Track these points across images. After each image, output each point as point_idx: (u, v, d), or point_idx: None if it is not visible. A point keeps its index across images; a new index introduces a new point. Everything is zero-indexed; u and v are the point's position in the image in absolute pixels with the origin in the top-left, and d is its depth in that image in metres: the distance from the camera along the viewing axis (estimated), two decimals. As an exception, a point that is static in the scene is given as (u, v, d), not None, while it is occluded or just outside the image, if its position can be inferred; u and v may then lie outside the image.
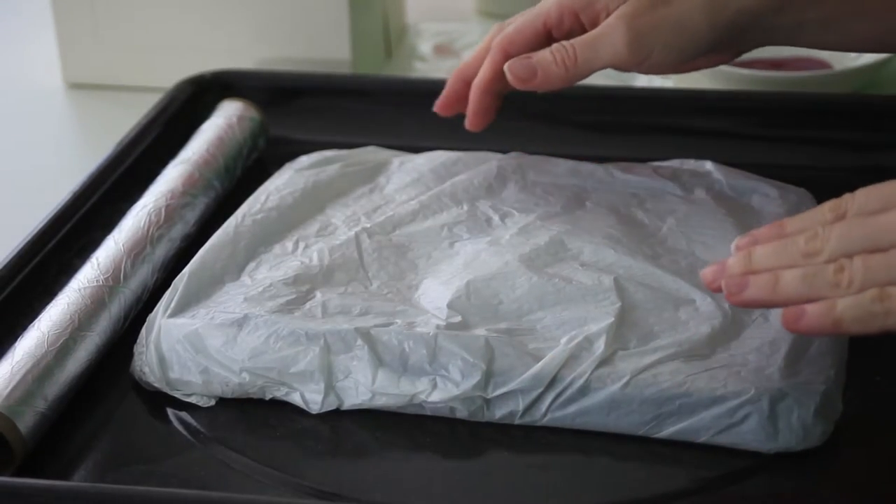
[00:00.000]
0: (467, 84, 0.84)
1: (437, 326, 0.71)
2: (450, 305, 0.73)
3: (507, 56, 0.81)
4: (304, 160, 0.88)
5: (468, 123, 0.85)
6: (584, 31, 0.80)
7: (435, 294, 0.74)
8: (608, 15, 0.79)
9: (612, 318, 0.71)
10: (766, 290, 0.64)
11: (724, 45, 0.79)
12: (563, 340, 0.70)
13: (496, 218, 0.81)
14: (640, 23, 0.77)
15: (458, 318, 0.72)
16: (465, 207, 0.82)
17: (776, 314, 0.68)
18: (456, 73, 0.86)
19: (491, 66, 0.82)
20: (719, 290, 0.66)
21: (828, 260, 0.63)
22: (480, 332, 0.71)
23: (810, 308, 0.63)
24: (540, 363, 0.69)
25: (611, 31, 0.78)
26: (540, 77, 0.79)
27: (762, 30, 0.78)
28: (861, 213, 0.64)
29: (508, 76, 0.80)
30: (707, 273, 0.67)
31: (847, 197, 0.65)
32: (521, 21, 0.82)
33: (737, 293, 0.65)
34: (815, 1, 0.77)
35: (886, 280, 0.61)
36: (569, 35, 0.80)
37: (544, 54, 0.79)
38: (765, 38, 0.79)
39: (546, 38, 0.81)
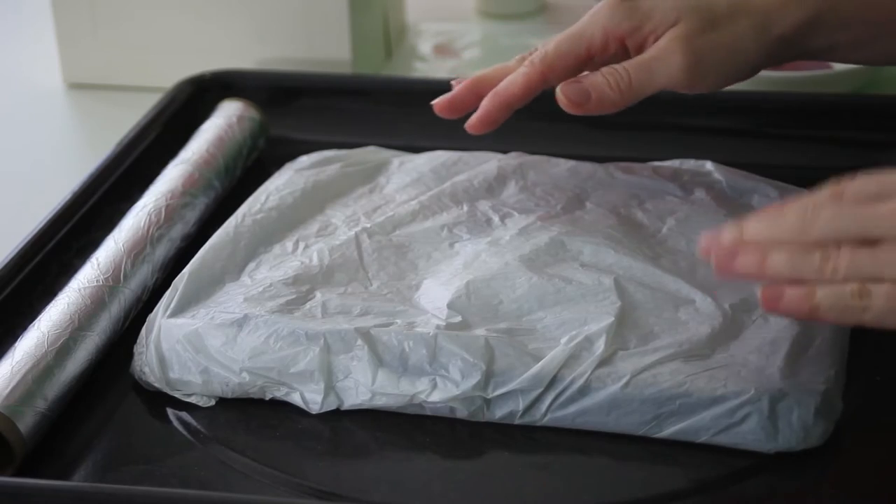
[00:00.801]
0: (479, 98, 0.81)
1: (437, 326, 0.71)
2: (450, 305, 0.73)
3: (546, 81, 0.79)
4: (304, 160, 0.88)
5: (472, 126, 0.82)
6: (627, 56, 0.78)
7: (435, 294, 0.74)
8: (656, 39, 0.77)
9: (612, 318, 0.71)
10: (755, 265, 0.64)
11: (759, 67, 0.79)
12: (563, 340, 0.70)
13: (496, 218, 0.81)
14: (696, 46, 0.76)
15: (458, 319, 0.72)
16: (465, 208, 0.82)
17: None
18: (471, 83, 0.83)
19: (525, 85, 0.80)
20: None
21: (817, 239, 0.63)
22: (480, 332, 0.71)
23: (789, 291, 0.63)
24: (540, 363, 0.69)
25: (667, 55, 0.76)
26: (594, 101, 0.77)
27: (794, 52, 0.78)
28: (856, 197, 0.64)
29: (561, 99, 0.78)
30: (703, 240, 0.66)
31: (847, 181, 0.65)
32: (563, 45, 0.80)
33: (725, 263, 0.65)
34: (844, 24, 0.78)
35: (870, 275, 0.61)
36: (612, 61, 0.78)
37: (597, 78, 0.77)
38: (794, 58, 0.79)
39: (587, 63, 0.80)
